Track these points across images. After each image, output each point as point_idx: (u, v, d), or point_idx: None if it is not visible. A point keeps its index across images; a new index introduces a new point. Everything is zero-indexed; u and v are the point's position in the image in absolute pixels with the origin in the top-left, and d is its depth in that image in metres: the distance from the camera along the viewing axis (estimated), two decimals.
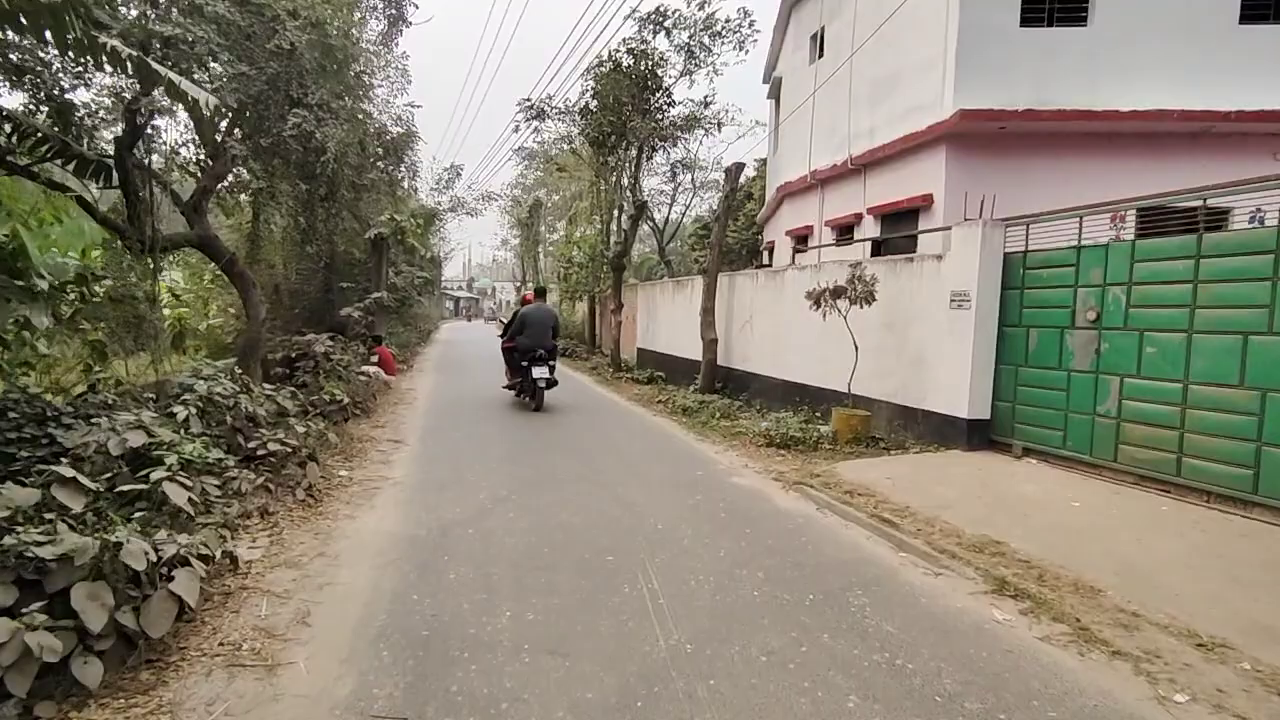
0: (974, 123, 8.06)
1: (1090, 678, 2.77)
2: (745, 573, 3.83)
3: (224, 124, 7.76)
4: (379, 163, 13.74)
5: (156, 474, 3.60)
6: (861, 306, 7.31)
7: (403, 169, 16.72)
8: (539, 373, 9.53)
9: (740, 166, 11.37)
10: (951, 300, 6.73)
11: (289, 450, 5.08)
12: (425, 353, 20.61)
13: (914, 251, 8.02)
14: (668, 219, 25.43)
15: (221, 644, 2.89)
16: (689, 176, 23.53)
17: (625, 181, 16.24)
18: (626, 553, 4.11)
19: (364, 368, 11.14)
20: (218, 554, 3.32)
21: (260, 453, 4.95)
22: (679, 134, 15.20)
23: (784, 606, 3.40)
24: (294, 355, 10.61)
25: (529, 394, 9.83)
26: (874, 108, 10.15)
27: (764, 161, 19.11)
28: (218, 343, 12.41)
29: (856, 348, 7.50)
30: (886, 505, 5.17)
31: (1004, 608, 3.44)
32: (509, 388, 10.61)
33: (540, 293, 10.96)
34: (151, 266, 7.61)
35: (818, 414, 8.55)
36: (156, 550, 2.86)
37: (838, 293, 7.46)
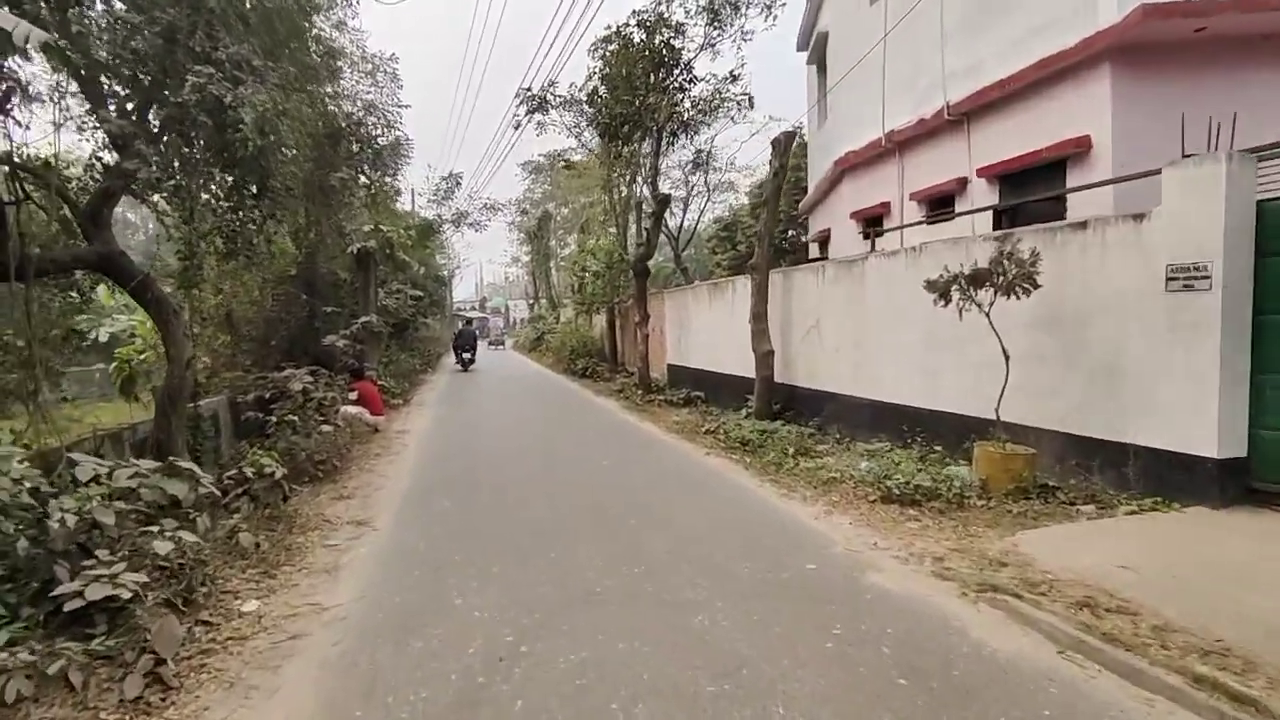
0: (1161, 23, 5.72)
1: None
2: None
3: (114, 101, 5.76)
4: (361, 166, 11.81)
5: None
6: (1015, 296, 5.06)
7: (394, 176, 14.89)
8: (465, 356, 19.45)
9: (791, 136, 9.21)
10: (1170, 279, 4.46)
11: (131, 594, 2.94)
12: (431, 381, 18.60)
13: (1060, 220, 5.74)
14: (681, 225, 23.11)
15: None
16: (703, 178, 21.39)
17: (643, 175, 14.17)
18: None
19: (343, 408, 9.09)
20: None
21: (71, 605, 2.81)
22: (702, 118, 13.12)
23: None
24: (269, 396, 8.77)
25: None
26: (977, 37, 7.89)
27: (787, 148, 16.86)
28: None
29: (1007, 356, 5.22)
30: (1180, 637, 2.90)
31: None
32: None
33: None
34: (25, 297, 5.60)
35: (935, 447, 6.28)
36: None
37: (977, 279, 5.21)
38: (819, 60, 12.59)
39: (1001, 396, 5.27)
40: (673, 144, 13.31)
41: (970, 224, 7.63)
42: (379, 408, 9.52)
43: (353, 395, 9.27)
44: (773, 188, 9.13)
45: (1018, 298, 5.07)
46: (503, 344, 39.84)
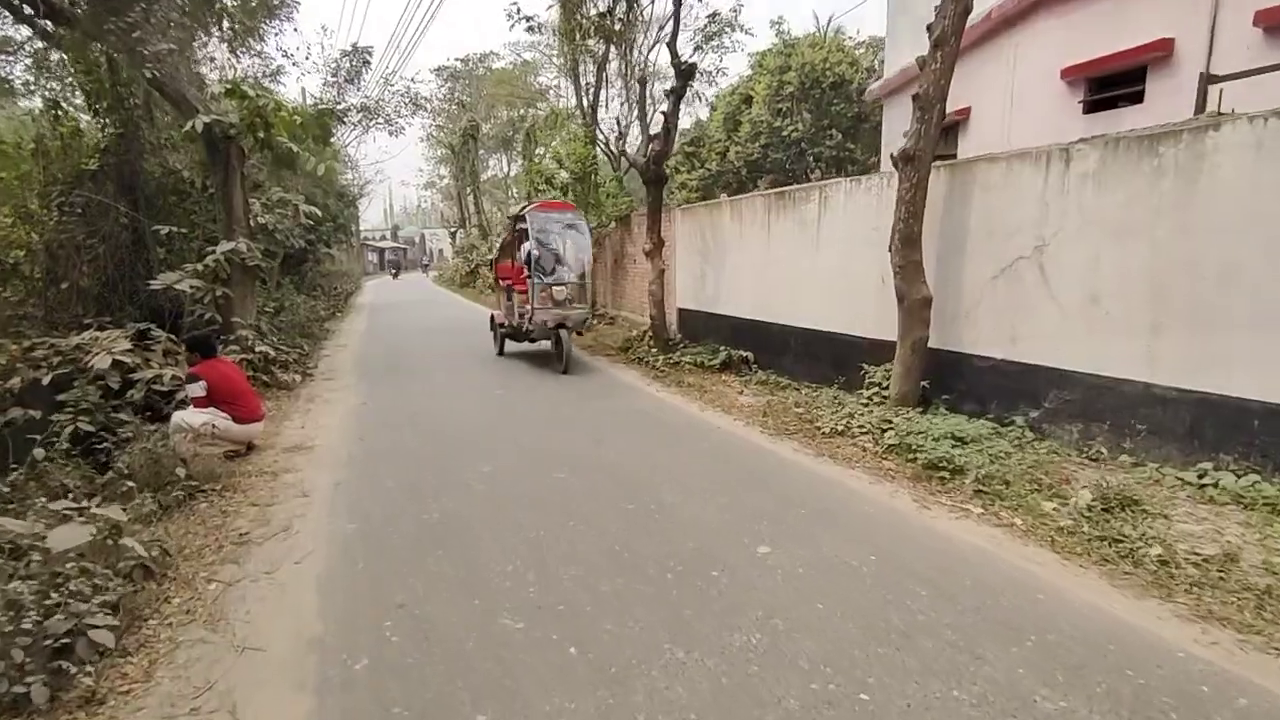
0: None
1: None
2: None
3: None
4: None
5: None
6: None
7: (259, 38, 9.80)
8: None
9: None
10: None
11: None
12: (341, 332, 13.86)
13: None
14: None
15: None
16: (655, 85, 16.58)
17: (642, 39, 9.82)
18: None
19: (176, 418, 4.80)
20: None
21: None
22: None
23: None
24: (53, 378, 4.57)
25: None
26: None
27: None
28: None
29: None
30: None
31: None
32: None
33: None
34: None
35: None
36: None
37: None
38: None
39: None
40: None
41: None
42: (251, 405, 5.21)
43: (195, 389, 4.91)
44: (958, 12, 5.22)
45: None
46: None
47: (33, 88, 8.84)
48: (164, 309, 7.63)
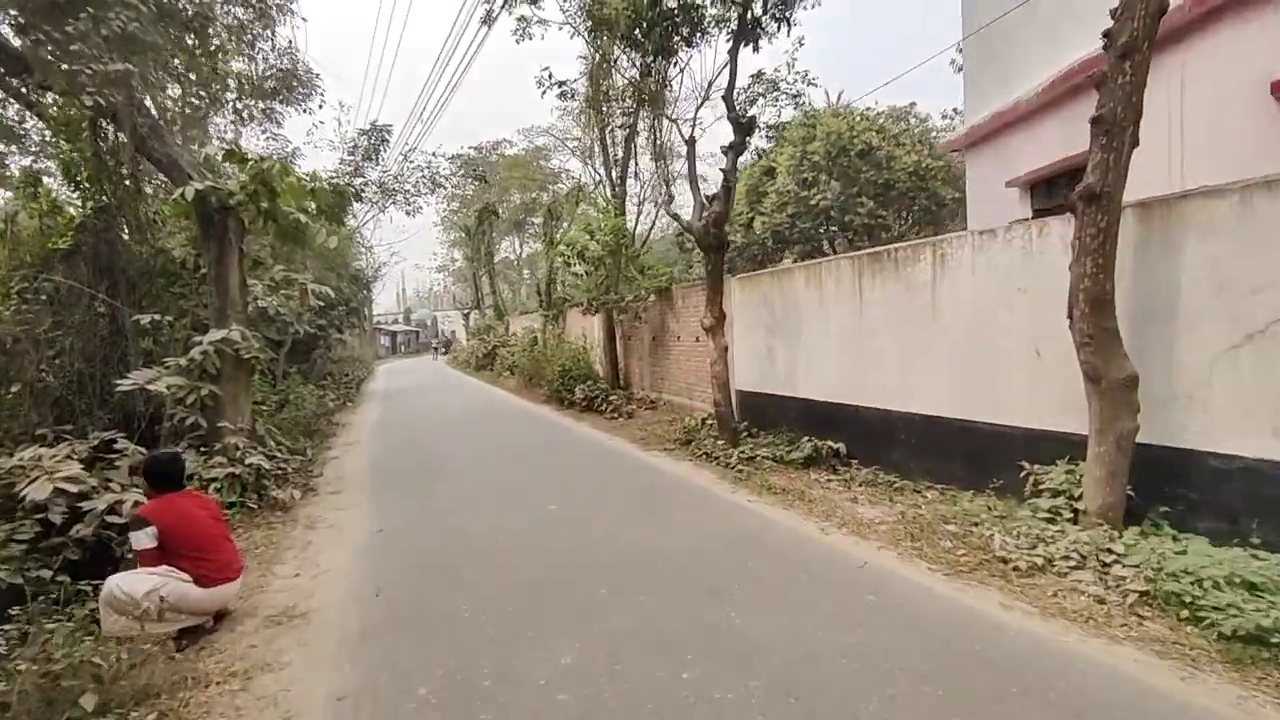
0: None
1: None
2: None
3: None
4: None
5: None
6: None
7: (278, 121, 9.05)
8: None
9: None
10: None
11: None
12: (351, 425, 12.46)
13: None
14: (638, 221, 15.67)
15: None
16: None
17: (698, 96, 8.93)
18: None
19: (109, 586, 3.30)
20: None
21: None
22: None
23: None
24: None
25: None
26: None
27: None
28: None
29: None
30: None
31: None
32: None
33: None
34: None
35: None
36: None
37: None
38: None
39: None
40: (759, 41, 8.03)
41: None
42: (222, 558, 3.67)
43: (142, 538, 3.42)
44: None
45: None
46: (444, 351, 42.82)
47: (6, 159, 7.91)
48: (138, 413, 6.27)
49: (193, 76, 6.99)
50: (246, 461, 5.78)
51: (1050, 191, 7.49)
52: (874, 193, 14.93)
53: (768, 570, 4.13)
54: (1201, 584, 3.38)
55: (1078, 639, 3.17)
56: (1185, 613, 3.30)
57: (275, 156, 6.66)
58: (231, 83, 8.29)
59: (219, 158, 5.97)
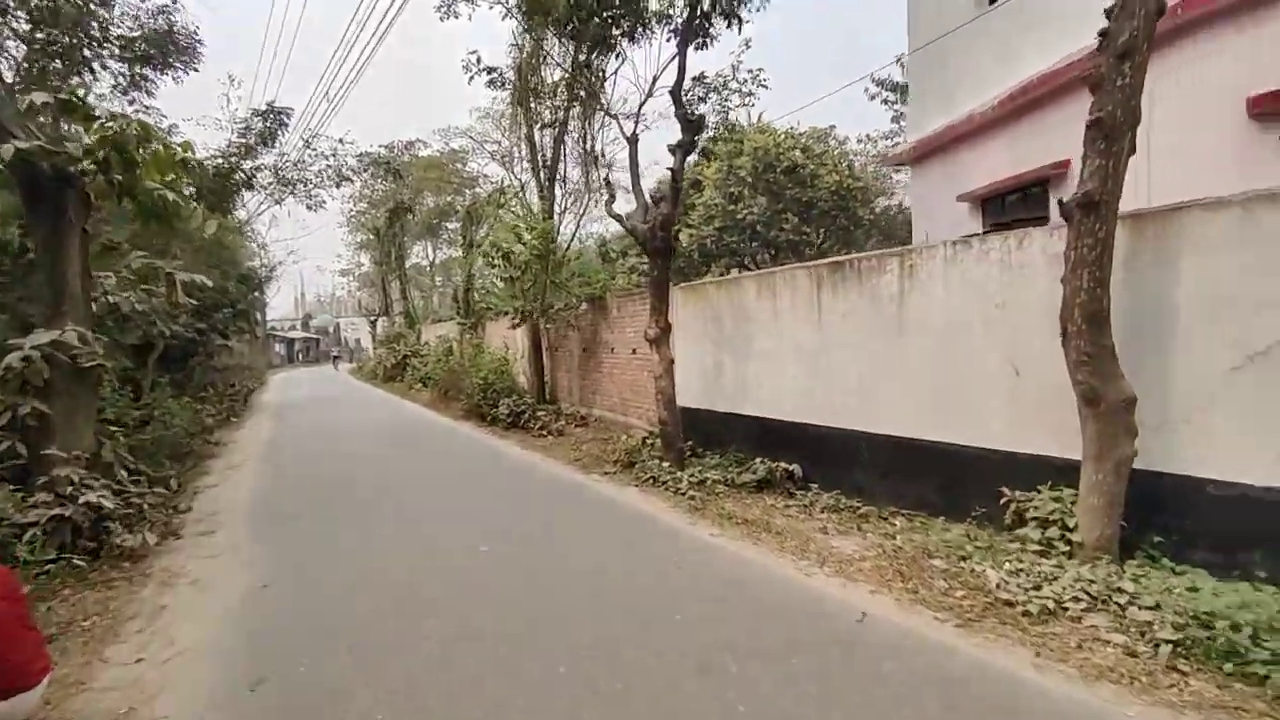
0: None
1: None
2: None
3: None
4: None
5: None
6: None
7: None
8: None
9: None
10: None
11: None
12: (235, 444, 10.78)
13: None
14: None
15: None
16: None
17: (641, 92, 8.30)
18: None
19: None
20: None
21: None
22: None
23: None
24: None
25: None
26: None
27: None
28: None
29: None
30: None
31: None
32: None
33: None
34: None
35: None
36: None
37: None
38: None
39: None
40: (707, 41, 7.54)
41: None
42: (18, 657, 2.54)
43: None
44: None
45: None
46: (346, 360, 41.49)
47: None
48: None
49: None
50: (78, 501, 4.48)
51: (1004, 207, 7.43)
52: (798, 210, 14.94)
53: (759, 632, 3.46)
54: (1239, 629, 3.04)
55: (1133, 706, 2.70)
56: (1230, 665, 2.93)
57: (136, 116, 5.37)
58: (97, 32, 6.83)
59: (54, 107, 4.63)
